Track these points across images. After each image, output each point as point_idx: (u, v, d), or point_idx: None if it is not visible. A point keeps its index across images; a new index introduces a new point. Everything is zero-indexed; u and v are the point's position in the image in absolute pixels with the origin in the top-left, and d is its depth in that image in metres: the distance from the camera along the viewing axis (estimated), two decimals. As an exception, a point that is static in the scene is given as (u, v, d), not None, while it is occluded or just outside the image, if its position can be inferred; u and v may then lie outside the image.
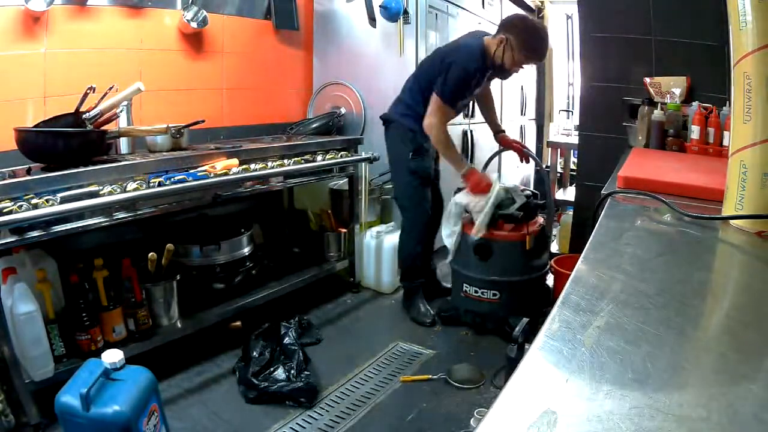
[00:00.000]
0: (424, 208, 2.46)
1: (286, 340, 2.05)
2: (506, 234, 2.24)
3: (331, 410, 1.82)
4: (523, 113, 4.40)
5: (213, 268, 2.25)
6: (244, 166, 2.08)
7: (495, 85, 3.85)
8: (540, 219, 2.38)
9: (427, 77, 2.30)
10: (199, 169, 1.96)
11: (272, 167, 2.19)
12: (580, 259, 0.77)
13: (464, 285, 2.34)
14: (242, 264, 2.34)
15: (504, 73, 2.30)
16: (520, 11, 4.31)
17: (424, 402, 1.86)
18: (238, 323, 2.31)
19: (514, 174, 4.23)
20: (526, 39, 2.12)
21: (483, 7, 3.57)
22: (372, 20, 2.80)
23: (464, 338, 2.34)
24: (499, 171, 3.72)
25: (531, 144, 4.69)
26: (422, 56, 2.74)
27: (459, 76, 2.17)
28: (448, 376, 1.98)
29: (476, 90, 2.33)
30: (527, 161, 2.65)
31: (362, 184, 2.73)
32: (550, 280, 2.53)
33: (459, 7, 3.17)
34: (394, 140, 2.44)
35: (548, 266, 2.47)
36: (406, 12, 2.73)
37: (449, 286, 2.53)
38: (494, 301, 2.27)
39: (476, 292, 2.30)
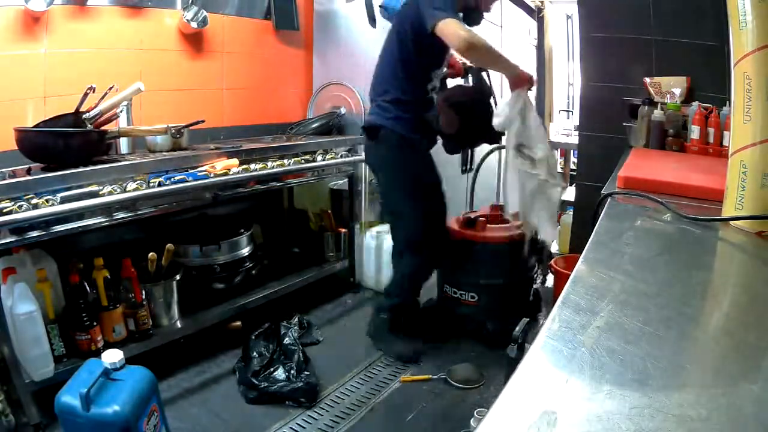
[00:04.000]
0: None
1: (286, 340, 2.05)
2: (488, 236, 2.21)
3: (331, 410, 1.82)
4: (523, 113, 4.39)
5: (213, 268, 2.25)
6: (244, 166, 2.08)
7: (495, 85, 3.86)
8: None
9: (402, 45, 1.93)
10: (199, 169, 1.96)
11: (272, 167, 2.19)
12: (580, 259, 0.77)
13: (445, 285, 2.32)
14: (242, 264, 2.34)
15: (474, 16, 1.99)
16: (521, 11, 4.32)
17: (424, 402, 1.86)
18: (238, 323, 2.31)
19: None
20: None
21: (483, 7, 3.56)
22: (372, 20, 2.79)
23: (464, 338, 2.33)
24: (499, 170, 3.71)
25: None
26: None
27: None
28: (448, 376, 1.98)
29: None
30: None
31: (362, 184, 2.72)
32: (549, 281, 2.52)
33: (459, 7, 3.16)
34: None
35: (536, 270, 2.43)
36: (405, 12, 2.71)
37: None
38: (472, 304, 2.24)
39: (455, 293, 2.27)
